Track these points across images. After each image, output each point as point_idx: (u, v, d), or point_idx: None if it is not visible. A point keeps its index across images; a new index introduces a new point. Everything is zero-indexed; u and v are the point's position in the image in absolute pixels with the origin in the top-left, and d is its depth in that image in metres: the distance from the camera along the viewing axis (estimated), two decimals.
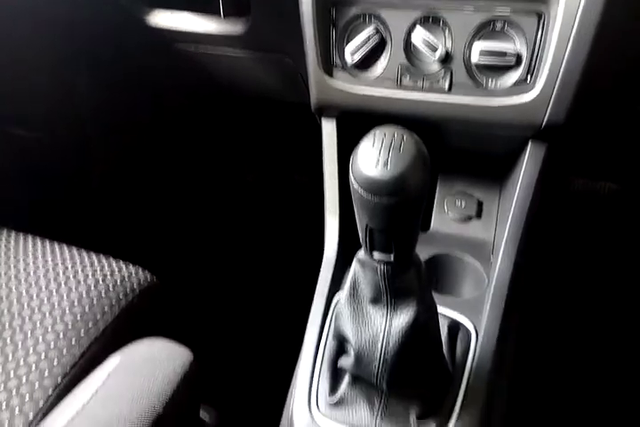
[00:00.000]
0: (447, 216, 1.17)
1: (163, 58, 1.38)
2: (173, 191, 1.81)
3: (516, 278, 0.92)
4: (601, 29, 0.81)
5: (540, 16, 0.86)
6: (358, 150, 0.60)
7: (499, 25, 0.88)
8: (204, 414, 0.88)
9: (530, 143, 0.95)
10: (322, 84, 0.96)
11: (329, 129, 1.03)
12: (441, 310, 0.89)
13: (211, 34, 1.24)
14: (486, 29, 0.88)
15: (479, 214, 1.15)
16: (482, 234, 1.13)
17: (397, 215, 0.60)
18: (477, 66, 0.89)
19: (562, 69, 0.85)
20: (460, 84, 0.91)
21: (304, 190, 1.68)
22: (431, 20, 0.90)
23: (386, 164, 0.57)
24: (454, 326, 0.89)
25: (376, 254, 0.64)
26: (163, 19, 1.29)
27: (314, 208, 1.21)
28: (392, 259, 0.64)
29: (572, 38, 0.83)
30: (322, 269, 0.97)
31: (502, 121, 0.92)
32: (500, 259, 0.98)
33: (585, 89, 0.86)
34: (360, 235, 0.65)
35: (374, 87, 0.95)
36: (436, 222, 1.16)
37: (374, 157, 0.58)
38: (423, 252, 1.08)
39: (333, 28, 0.94)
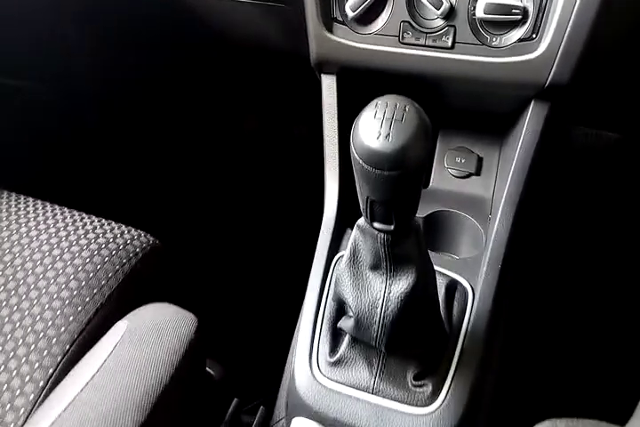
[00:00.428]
0: (447, 172, 1.16)
1: (155, 5, 1.33)
2: (171, 147, 1.79)
3: (514, 239, 0.93)
4: None
5: None
6: (359, 121, 0.59)
7: None
8: (209, 368, 0.91)
9: (532, 102, 0.94)
10: (321, 39, 0.93)
11: (328, 85, 1.01)
12: (439, 269, 0.91)
13: None
14: None
15: (478, 172, 1.15)
16: (481, 191, 1.13)
17: (399, 187, 0.60)
18: (482, 21, 0.86)
19: (569, 27, 0.82)
20: (463, 41, 0.88)
21: (303, 143, 1.66)
22: None
23: (387, 136, 0.56)
24: (452, 286, 0.91)
25: (376, 224, 0.65)
26: None
27: (313, 163, 1.20)
28: (392, 228, 0.64)
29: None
30: (321, 231, 0.98)
31: (505, 79, 0.90)
32: (497, 219, 0.98)
33: (591, 49, 0.84)
34: (360, 205, 0.65)
35: (375, 44, 0.92)
36: (435, 179, 1.16)
37: (376, 129, 0.57)
38: (422, 209, 1.09)
39: None
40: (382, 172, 0.57)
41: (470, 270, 0.93)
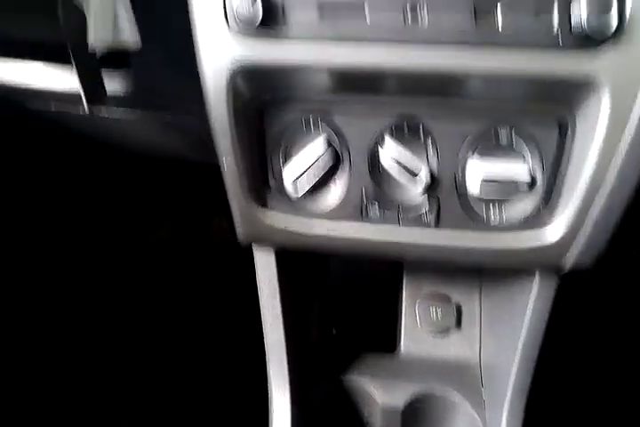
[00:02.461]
0: (420, 329, 0.93)
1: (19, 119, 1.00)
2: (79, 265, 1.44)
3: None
4: None
5: (561, 125, 0.59)
6: None
7: (503, 135, 0.61)
8: None
9: (537, 276, 0.71)
10: (250, 218, 0.66)
11: (264, 263, 0.74)
12: None
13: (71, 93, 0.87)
14: (486, 141, 0.61)
15: (459, 323, 0.92)
16: (465, 351, 0.91)
17: None
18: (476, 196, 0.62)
19: (596, 201, 0.59)
20: (450, 217, 0.64)
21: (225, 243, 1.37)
22: (407, 128, 0.61)
23: None
24: None
25: None
26: (3, 71, 0.90)
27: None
28: None
29: (617, 158, 0.56)
30: None
31: (508, 264, 0.67)
32: (506, 411, 0.76)
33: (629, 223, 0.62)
34: None
35: (328, 221, 0.66)
36: (406, 339, 0.92)
37: None
38: (397, 392, 0.85)
39: (264, 138, 0.63)
40: None
41: None
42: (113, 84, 0.85)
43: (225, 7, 0.55)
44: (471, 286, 0.93)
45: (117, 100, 0.87)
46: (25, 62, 0.90)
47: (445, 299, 0.94)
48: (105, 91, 0.72)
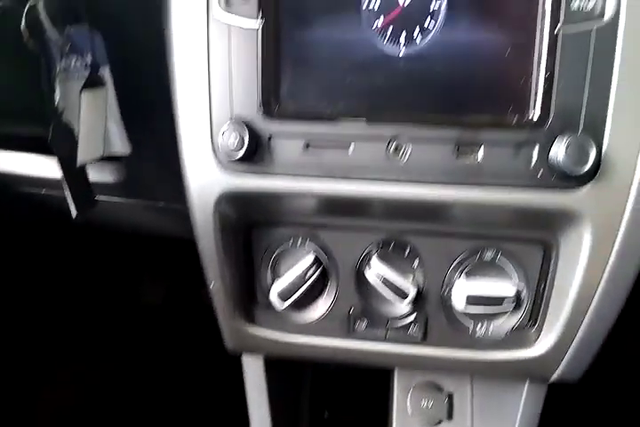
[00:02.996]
0: (411, 419, 0.92)
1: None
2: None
3: None
4: None
5: (545, 246, 0.60)
6: None
7: (489, 255, 0.61)
8: None
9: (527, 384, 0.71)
10: (238, 331, 0.66)
11: (254, 369, 0.74)
12: None
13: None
14: (472, 260, 0.62)
15: (450, 414, 0.91)
16: None
17: None
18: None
19: (586, 318, 0.60)
20: (437, 331, 0.64)
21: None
22: (393, 246, 0.62)
23: None
24: None
25: None
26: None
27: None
28: None
29: (604, 279, 0.57)
30: None
31: (494, 375, 0.67)
32: None
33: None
34: None
35: (315, 336, 0.66)
36: None
37: None
38: None
39: (252, 256, 0.64)
40: None
41: None
42: (103, 174, 0.86)
43: (212, 142, 0.56)
44: (463, 378, 0.93)
45: (108, 188, 0.88)
46: (16, 153, 0.91)
47: (437, 389, 0.93)
48: (95, 199, 0.72)
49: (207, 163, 0.57)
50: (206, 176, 0.57)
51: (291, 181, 0.56)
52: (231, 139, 0.54)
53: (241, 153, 0.54)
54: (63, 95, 0.64)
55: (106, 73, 0.65)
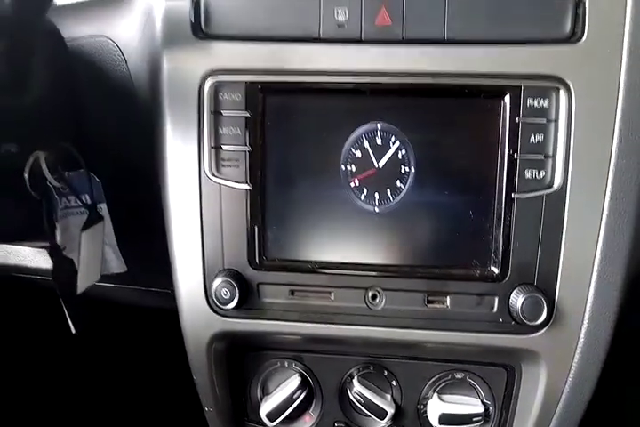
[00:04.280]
0: None
1: None
2: None
3: None
4: None
5: (509, 370, 0.67)
6: None
7: (459, 377, 0.68)
8: None
9: None
10: None
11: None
12: None
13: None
14: (444, 380, 0.68)
15: None
16: None
17: None
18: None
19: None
20: None
21: None
22: (372, 368, 0.68)
23: None
24: None
25: None
26: None
27: None
28: None
29: (561, 402, 0.63)
30: None
31: None
32: None
33: None
34: None
35: None
36: None
37: None
38: None
39: (244, 380, 0.70)
40: None
41: None
42: None
43: (206, 290, 0.62)
44: None
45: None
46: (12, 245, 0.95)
47: None
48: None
49: (201, 307, 0.62)
50: (200, 318, 0.63)
51: (278, 323, 0.62)
52: (223, 290, 0.60)
53: (232, 304, 0.60)
54: (63, 230, 0.69)
55: (104, 208, 0.70)
